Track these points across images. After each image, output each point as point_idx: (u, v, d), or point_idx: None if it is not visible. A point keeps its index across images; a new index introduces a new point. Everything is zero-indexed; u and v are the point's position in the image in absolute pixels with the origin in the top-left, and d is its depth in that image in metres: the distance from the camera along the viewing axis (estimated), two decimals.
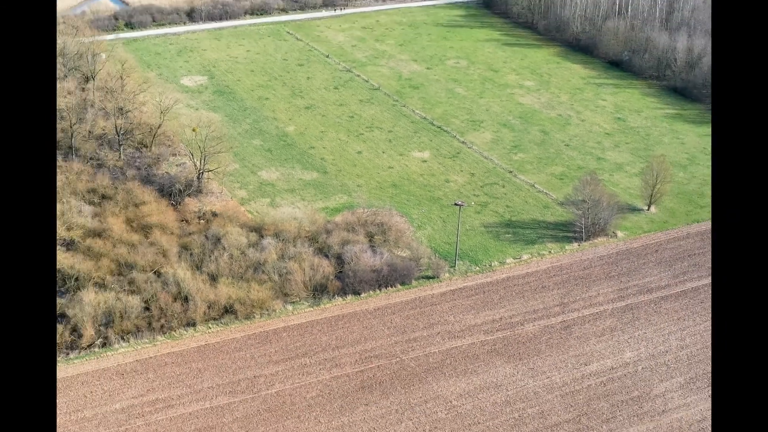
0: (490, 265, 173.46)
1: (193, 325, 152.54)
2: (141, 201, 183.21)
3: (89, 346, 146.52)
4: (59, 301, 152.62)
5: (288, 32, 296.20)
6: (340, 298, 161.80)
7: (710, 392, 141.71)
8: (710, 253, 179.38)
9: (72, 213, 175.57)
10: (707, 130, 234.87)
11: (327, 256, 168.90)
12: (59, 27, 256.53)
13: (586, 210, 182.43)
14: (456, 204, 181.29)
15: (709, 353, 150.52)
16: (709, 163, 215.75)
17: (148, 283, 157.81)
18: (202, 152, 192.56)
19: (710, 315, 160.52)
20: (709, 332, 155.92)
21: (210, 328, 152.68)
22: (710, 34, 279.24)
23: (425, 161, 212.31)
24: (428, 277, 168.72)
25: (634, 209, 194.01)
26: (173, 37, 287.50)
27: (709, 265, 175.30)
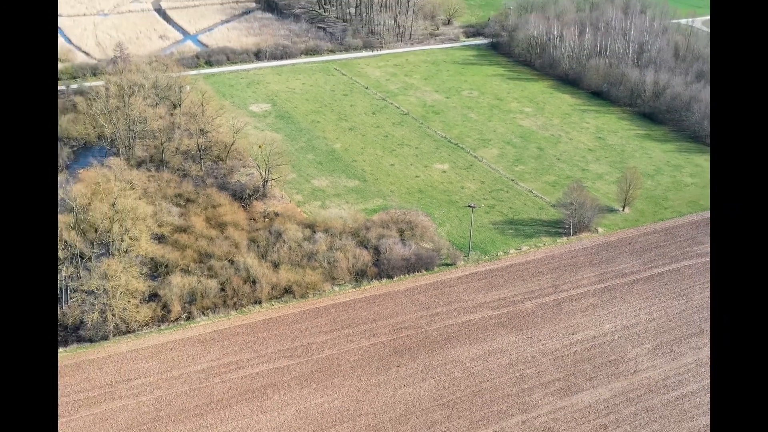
0: (497, 255, 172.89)
1: (259, 302, 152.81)
2: (218, 203, 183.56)
3: (176, 319, 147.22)
4: (152, 283, 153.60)
5: (335, 69, 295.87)
6: (377, 281, 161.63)
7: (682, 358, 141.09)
8: (674, 245, 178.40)
9: (162, 213, 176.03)
10: (671, 147, 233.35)
11: (366, 248, 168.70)
12: (152, 64, 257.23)
13: (573, 211, 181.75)
14: (469, 206, 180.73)
15: (672, 325, 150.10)
16: (672, 174, 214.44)
17: (224, 269, 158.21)
18: (266, 164, 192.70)
19: (674, 295, 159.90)
20: (673, 308, 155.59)
21: (273, 305, 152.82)
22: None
23: (445, 172, 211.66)
24: (447, 264, 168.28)
25: (611, 210, 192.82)
26: (243, 72, 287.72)
27: (673, 254, 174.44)
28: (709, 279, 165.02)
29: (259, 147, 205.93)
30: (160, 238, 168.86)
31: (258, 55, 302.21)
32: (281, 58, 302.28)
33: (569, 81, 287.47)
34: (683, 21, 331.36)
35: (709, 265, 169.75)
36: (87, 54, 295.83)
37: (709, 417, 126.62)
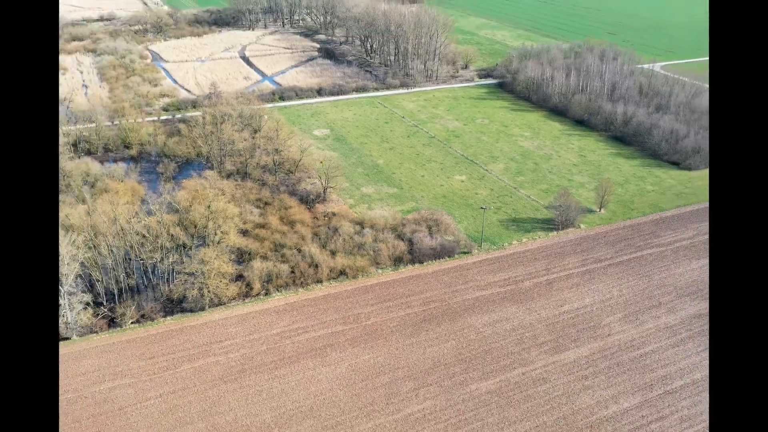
0: (503, 245, 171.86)
1: (320, 282, 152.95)
2: (289, 206, 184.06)
3: (257, 294, 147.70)
4: (238, 267, 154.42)
5: (379, 102, 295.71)
6: (411, 265, 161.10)
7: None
8: (638, 237, 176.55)
9: (246, 213, 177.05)
10: (636, 162, 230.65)
11: (402, 240, 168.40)
12: (238, 99, 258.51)
13: (561, 211, 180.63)
14: (481, 208, 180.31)
15: (637, 299, 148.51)
16: (637, 183, 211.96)
17: (293, 256, 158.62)
18: (326, 176, 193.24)
19: (639, 276, 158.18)
20: (638, 286, 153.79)
21: (331, 284, 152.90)
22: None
23: (463, 181, 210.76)
24: (465, 253, 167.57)
25: (590, 211, 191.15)
26: (308, 105, 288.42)
27: (638, 245, 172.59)
28: (665, 264, 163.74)
29: (320, 162, 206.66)
30: (244, 233, 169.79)
31: (319, 92, 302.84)
32: (337, 94, 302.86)
33: (558, 112, 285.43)
34: (646, 66, 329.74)
35: (665, 253, 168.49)
36: (188, 91, 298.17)
37: (665, 370, 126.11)
